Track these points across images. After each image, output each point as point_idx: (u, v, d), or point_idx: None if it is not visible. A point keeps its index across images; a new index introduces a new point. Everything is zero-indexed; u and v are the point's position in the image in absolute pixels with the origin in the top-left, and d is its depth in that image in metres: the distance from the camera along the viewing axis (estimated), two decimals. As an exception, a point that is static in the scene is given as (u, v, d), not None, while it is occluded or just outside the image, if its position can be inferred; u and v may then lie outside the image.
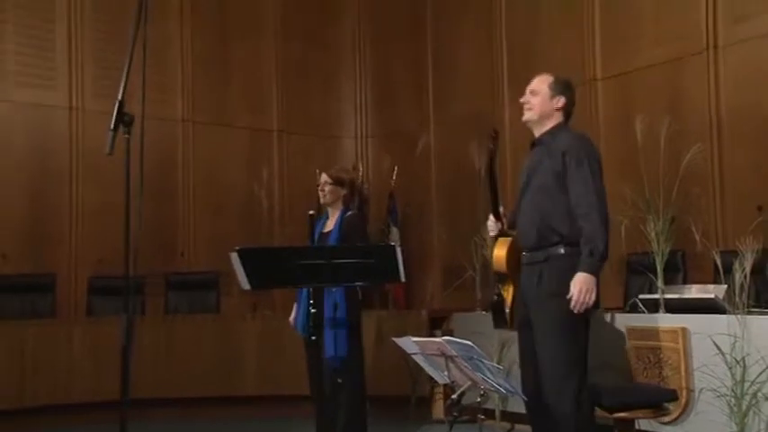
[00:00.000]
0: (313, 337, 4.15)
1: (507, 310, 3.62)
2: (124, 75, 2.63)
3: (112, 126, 2.57)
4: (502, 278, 3.63)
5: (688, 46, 5.68)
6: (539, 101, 3.51)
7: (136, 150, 2.57)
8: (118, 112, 2.58)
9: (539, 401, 3.44)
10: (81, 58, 7.15)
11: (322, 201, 4.60)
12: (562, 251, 3.37)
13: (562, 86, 3.54)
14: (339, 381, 4.26)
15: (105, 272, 6.65)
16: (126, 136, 2.59)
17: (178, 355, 6.23)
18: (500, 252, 3.59)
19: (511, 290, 3.61)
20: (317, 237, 4.51)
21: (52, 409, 5.87)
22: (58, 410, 5.87)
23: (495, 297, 3.64)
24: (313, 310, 4.16)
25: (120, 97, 2.60)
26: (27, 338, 5.95)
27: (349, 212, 4.59)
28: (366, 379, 4.47)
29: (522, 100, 3.59)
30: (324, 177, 4.57)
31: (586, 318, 3.39)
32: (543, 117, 3.52)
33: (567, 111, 3.55)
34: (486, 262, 5.88)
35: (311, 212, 4.52)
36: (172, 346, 6.25)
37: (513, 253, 3.57)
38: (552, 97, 3.50)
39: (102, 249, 6.72)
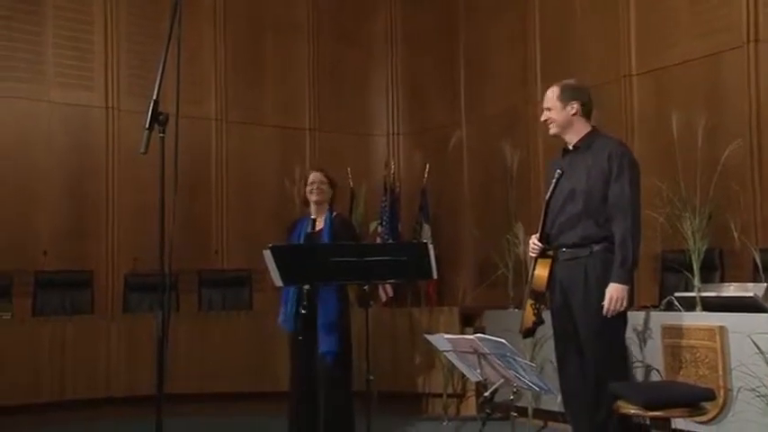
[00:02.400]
0: (300, 337, 4.27)
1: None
2: (159, 74, 2.66)
3: (147, 125, 2.59)
4: (539, 297, 3.70)
5: (727, 40, 5.56)
6: (554, 114, 3.65)
7: (170, 149, 2.60)
8: (153, 112, 2.60)
9: (576, 395, 3.56)
10: (117, 59, 7.26)
11: (315, 198, 4.58)
12: (604, 246, 3.51)
13: (570, 92, 3.66)
14: (370, 378, 4.29)
15: (141, 269, 6.76)
16: (161, 135, 2.61)
17: (212, 350, 6.28)
18: (542, 272, 3.66)
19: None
20: (301, 238, 4.52)
21: (92, 402, 5.98)
22: (96, 404, 5.98)
23: (539, 321, 3.70)
24: (303, 312, 4.24)
25: (155, 97, 2.63)
26: (67, 334, 6.07)
27: (335, 213, 4.64)
28: (354, 375, 4.54)
29: (542, 119, 3.72)
30: (319, 176, 4.57)
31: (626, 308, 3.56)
32: (565, 126, 3.66)
33: (585, 112, 3.67)
34: (519, 259, 5.85)
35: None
36: (206, 341, 6.31)
37: (552, 274, 3.65)
38: (564, 107, 3.63)
39: (138, 247, 6.82)
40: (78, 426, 5.75)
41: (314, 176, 4.60)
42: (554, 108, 3.63)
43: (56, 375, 5.95)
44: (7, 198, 6.71)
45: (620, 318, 3.55)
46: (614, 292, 3.42)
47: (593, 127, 3.71)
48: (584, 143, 3.64)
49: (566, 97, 3.63)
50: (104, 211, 7.13)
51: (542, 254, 3.68)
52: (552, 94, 3.66)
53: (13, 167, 6.76)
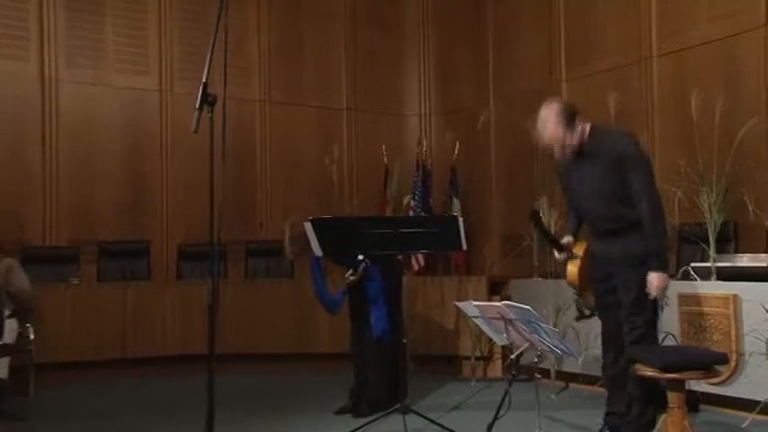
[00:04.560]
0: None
1: (589, 312, 3.74)
2: (208, 59, 2.67)
3: (198, 106, 2.62)
4: (578, 291, 3.72)
5: (744, 22, 5.40)
6: (568, 139, 3.46)
7: (219, 128, 2.62)
8: (203, 94, 2.62)
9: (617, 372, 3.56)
10: (169, 46, 7.32)
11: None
12: (633, 228, 3.42)
13: (569, 113, 3.46)
14: (404, 342, 4.33)
15: (192, 240, 6.88)
16: (210, 115, 2.64)
17: (257, 315, 6.38)
18: (573, 269, 3.66)
19: (588, 295, 3.70)
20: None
21: (149, 360, 6.13)
22: (153, 362, 6.13)
23: (581, 314, 3.74)
24: (351, 278, 4.41)
25: (204, 80, 2.64)
26: (127, 298, 6.21)
27: None
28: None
29: (553, 148, 3.52)
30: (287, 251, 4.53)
31: None
32: (577, 143, 3.48)
33: (577, 119, 3.49)
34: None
35: None
36: (252, 306, 6.40)
37: (582, 269, 3.64)
38: (570, 128, 3.45)
39: (190, 219, 6.94)
40: (137, 381, 5.90)
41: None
42: (561, 136, 3.44)
43: (117, 336, 6.11)
44: (73, 175, 6.86)
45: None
46: (655, 281, 3.36)
47: (591, 125, 3.51)
48: (591, 144, 3.47)
49: (568, 119, 3.44)
50: (159, 186, 7.23)
51: (570, 257, 3.68)
52: (554, 124, 3.45)
53: (78, 147, 6.90)
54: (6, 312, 4.97)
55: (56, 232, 6.74)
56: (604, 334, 3.68)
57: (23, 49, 6.73)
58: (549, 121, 3.48)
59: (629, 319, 3.46)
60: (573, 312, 3.96)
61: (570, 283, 3.71)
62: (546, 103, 3.54)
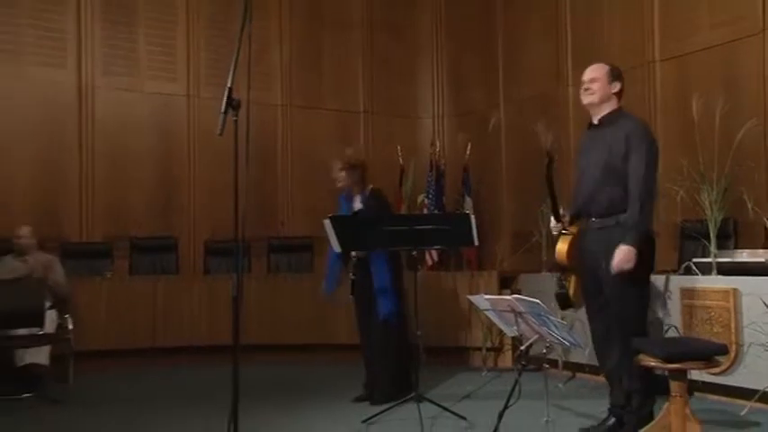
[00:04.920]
0: (353, 276, 4.43)
1: (572, 295, 3.66)
2: (232, 66, 2.70)
3: (223, 110, 2.64)
4: (563, 269, 3.66)
5: (744, 28, 5.35)
6: (599, 86, 3.55)
7: (242, 131, 2.64)
8: (227, 98, 2.65)
9: (611, 367, 3.58)
10: (197, 54, 7.38)
11: (339, 185, 4.59)
12: (623, 216, 3.41)
13: (617, 74, 3.59)
14: (417, 334, 4.35)
15: (218, 236, 6.93)
16: (234, 119, 2.66)
17: (279, 308, 6.41)
18: (562, 247, 3.62)
19: (573, 278, 3.64)
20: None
21: (177, 349, 6.19)
22: (181, 351, 6.19)
23: (560, 289, 3.68)
24: (353, 277, 4.39)
25: (229, 85, 2.67)
26: (157, 291, 6.28)
27: (370, 188, 4.58)
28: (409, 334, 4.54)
29: (583, 87, 3.60)
30: (337, 165, 4.54)
31: (648, 273, 3.49)
32: (603, 101, 3.56)
33: (621, 96, 3.60)
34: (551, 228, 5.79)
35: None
36: (274, 300, 6.43)
37: (572, 248, 3.60)
38: (610, 83, 3.56)
39: (216, 217, 6.99)
40: (168, 369, 5.96)
41: (334, 167, 4.58)
42: (600, 81, 3.54)
43: (148, 326, 6.18)
44: (108, 176, 6.94)
45: (643, 283, 3.48)
46: (620, 253, 3.32)
47: (620, 106, 3.62)
48: (609, 119, 3.55)
49: (613, 76, 3.56)
50: (187, 186, 7.29)
51: (563, 231, 3.65)
52: (601, 69, 3.57)
53: (112, 150, 6.98)
54: (47, 304, 5.06)
55: (91, 229, 6.82)
56: (593, 332, 3.67)
57: (62, 58, 6.83)
58: (598, 71, 3.58)
59: (620, 315, 3.44)
60: (577, 308, 3.93)
61: (558, 261, 3.67)
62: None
